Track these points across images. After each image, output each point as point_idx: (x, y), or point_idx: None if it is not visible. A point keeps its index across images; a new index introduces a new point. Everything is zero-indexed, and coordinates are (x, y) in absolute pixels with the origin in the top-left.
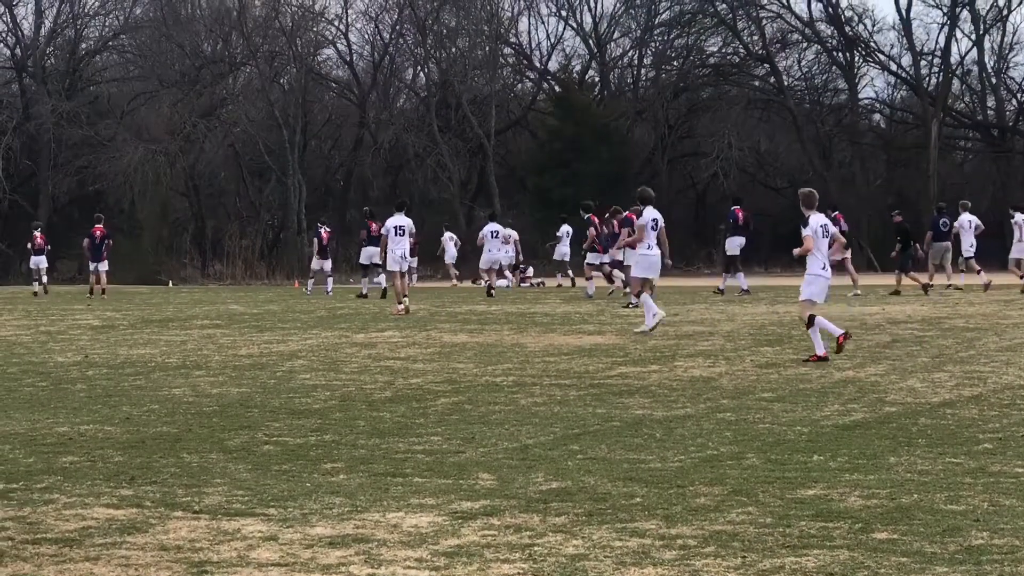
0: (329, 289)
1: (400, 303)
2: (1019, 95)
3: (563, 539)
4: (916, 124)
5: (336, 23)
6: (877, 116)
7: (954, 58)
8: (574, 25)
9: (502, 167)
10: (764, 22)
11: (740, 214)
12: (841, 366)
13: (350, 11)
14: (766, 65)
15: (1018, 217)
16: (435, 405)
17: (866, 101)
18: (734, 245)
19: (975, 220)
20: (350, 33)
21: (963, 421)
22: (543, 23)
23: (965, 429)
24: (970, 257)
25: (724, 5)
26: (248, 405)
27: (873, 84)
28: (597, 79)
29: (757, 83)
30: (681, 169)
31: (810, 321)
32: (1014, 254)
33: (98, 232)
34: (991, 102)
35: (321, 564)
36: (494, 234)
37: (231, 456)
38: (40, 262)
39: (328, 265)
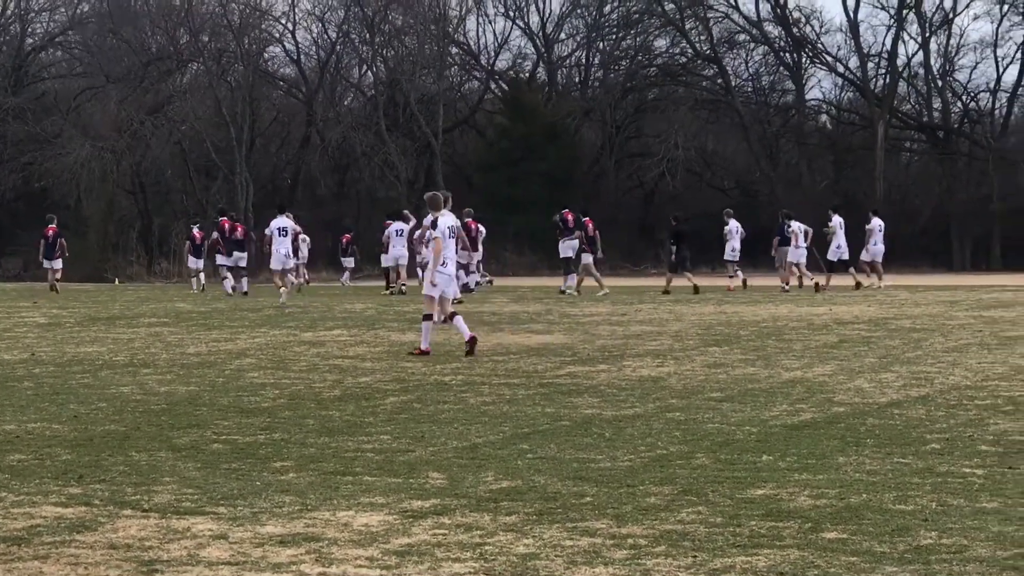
0: (228, 288)
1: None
2: (964, 97)
3: (514, 538)
4: (863, 125)
5: (283, 21)
6: (824, 117)
7: (900, 60)
8: (521, 25)
9: (449, 166)
10: (712, 22)
11: (569, 216)
12: (789, 366)
13: (297, 9)
14: (714, 66)
15: (795, 225)
16: (384, 404)
17: (813, 102)
18: (566, 248)
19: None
20: (297, 31)
21: (911, 422)
22: (491, 23)
23: (913, 429)
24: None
25: (672, 5)
26: (197, 403)
27: (820, 85)
28: (545, 79)
29: (705, 83)
30: (628, 168)
31: (427, 317)
32: (792, 258)
33: (50, 232)
34: (937, 104)
35: (272, 563)
36: (399, 232)
37: (180, 454)
38: None
39: (200, 264)
